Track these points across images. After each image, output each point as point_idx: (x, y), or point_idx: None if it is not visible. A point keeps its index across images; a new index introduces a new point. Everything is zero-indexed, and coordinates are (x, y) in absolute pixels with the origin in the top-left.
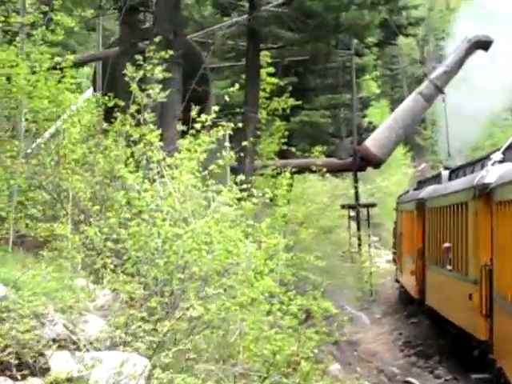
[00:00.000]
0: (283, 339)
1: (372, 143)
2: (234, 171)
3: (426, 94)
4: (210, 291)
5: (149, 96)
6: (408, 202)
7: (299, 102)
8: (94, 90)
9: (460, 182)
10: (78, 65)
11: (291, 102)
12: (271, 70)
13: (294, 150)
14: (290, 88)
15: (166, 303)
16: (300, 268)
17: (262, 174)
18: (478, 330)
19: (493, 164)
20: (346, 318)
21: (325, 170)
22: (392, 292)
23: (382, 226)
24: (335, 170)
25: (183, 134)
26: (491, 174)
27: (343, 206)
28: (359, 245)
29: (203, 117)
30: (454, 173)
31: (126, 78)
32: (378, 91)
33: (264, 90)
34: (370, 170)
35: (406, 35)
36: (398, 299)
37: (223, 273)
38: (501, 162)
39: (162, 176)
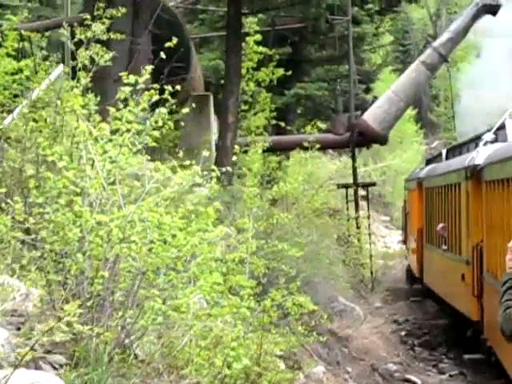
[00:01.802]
0: (240, 346)
1: (371, 117)
2: (217, 148)
3: (429, 63)
4: (143, 293)
5: (93, 60)
6: (412, 181)
7: (288, 73)
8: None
9: (453, 162)
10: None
11: (280, 72)
12: (258, 37)
13: (283, 124)
14: (278, 57)
15: (89, 307)
16: (277, 258)
17: (246, 151)
18: (471, 310)
19: (484, 144)
20: (335, 311)
21: (318, 146)
22: (401, 275)
23: (393, 205)
24: (331, 147)
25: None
26: (481, 154)
27: (339, 186)
28: (358, 227)
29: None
30: (451, 152)
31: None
32: (379, 61)
33: (251, 59)
34: (380, 147)
35: (409, 1)
36: (406, 281)
37: (161, 269)
38: (492, 142)
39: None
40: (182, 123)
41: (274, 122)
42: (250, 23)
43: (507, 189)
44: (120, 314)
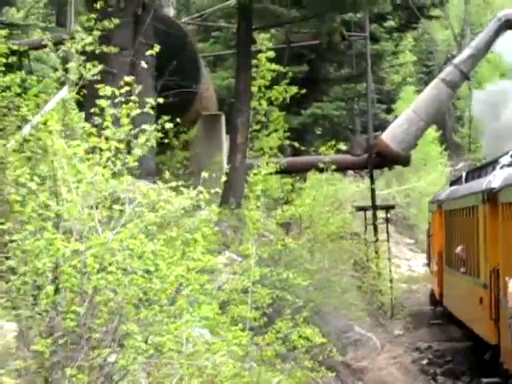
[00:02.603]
0: None
1: (389, 137)
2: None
3: (449, 81)
4: (123, 329)
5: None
6: (434, 203)
7: (303, 91)
8: None
9: (471, 185)
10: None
11: (294, 90)
12: (271, 54)
13: (297, 145)
14: (294, 75)
15: (63, 345)
16: (284, 286)
17: (255, 173)
18: (488, 333)
19: (501, 167)
20: (350, 341)
21: (333, 167)
22: (425, 299)
23: (418, 227)
24: (348, 168)
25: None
26: (498, 177)
27: (357, 209)
28: (376, 251)
29: None
30: (470, 174)
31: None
32: (399, 79)
33: (264, 77)
34: (404, 169)
35: (429, 17)
36: (430, 304)
37: (144, 302)
38: (509, 165)
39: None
40: (192, 143)
41: (288, 142)
42: (263, 39)
43: None
44: (97, 352)
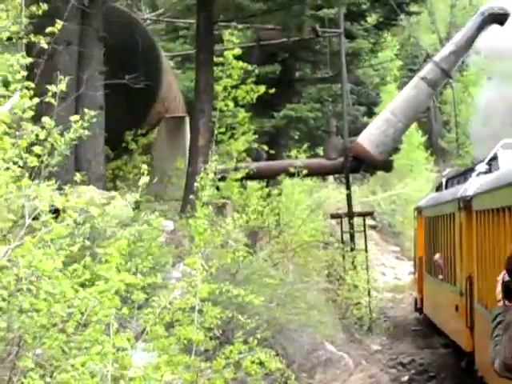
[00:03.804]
0: None
1: (366, 140)
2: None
3: (430, 80)
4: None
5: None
6: (416, 210)
7: (272, 90)
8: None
9: (449, 192)
10: None
11: (261, 89)
12: (238, 51)
13: (266, 148)
14: (265, 75)
15: None
16: (241, 304)
17: (222, 179)
18: (464, 341)
19: (477, 175)
20: (320, 361)
21: (305, 172)
22: (411, 309)
23: (403, 234)
24: (323, 173)
25: None
26: (473, 184)
27: (332, 216)
28: (352, 262)
29: None
30: (450, 181)
31: None
32: (378, 80)
33: (230, 76)
34: (389, 175)
35: (409, 13)
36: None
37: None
38: (486, 172)
39: None
40: (153, 147)
41: (256, 145)
42: (229, 35)
43: (496, 219)
44: None
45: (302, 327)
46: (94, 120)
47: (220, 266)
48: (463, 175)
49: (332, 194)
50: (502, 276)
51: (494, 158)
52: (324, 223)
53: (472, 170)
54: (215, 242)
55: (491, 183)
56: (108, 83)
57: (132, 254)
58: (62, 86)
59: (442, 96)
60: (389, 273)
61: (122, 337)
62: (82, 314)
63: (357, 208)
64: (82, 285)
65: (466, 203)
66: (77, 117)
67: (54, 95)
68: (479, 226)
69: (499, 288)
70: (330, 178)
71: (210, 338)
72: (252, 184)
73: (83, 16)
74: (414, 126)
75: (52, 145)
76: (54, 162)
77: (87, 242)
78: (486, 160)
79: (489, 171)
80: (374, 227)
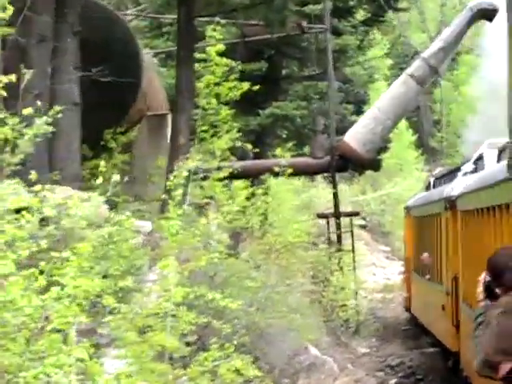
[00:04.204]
0: None
1: (353, 138)
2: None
3: (418, 76)
4: None
5: None
6: (405, 209)
7: (256, 87)
8: None
9: (436, 192)
10: None
11: (245, 86)
12: (221, 47)
13: (250, 146)
14: (251, 73)
15: None
16: (218, 308)
17: (204, 178)
18: (450, 340)
19: (464, 174)
20: (303, 366)
21: (290, 171)
22: (401, 309)
23: (393, 234)
24: (309, 172)
25: None
26: (459, 184)
27: (319, 216)
28: (338, 263)
29: None
30: (438, 181)
31: None
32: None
33: (213, 73)
34: (379, 174)
35: (397, 10)
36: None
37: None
38: (472, 172)
39: None
40: (134, 145)
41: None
42: (211, 31)
43: (481, 219)
44: None
45: (284, 331)
46: (68, 116)
47: (198, 268)
48: (450, 175)
49: (321, 193)
50: (484, 276)
51: (480, 157)
52: (312, 223)
53: (458, 169)
54: (193, 244)
55: (476, 183)
56: (86, 80)
57: (104, 257)
58: (12, 78)
59: (433, 95)
60: (379, 273)
61: (82, 347)
62: (36, 322)
63: (347, 208)
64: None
65: (451, 203)
66: (29, 110)
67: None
68: (464, 225)
69: (480, 288)
70: (319, 177)
71: (188, 344)
72: (237, 183)
73: (58, 10)
74: (404, 124)
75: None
76: (16, 160)
77: (50, 245)
78: (472, 160)
79: (475, 171)
80: (363, 227)
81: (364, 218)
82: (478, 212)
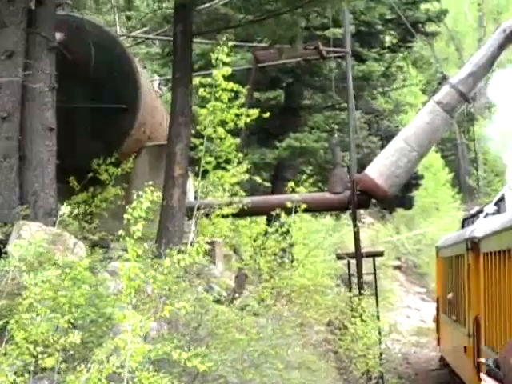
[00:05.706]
0: None
1: (376, 171)
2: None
3: (446, 104)
4: None
5: None
6: (436, 250)
7: (266, 114)
8: None
9: (461, 233)
10: None
11: (255, 113)
12: (228, 71)
13: (259, 180)
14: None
15: None
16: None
17: (207, 215)
18: (474, 383)
19: (485, 216)
20: None
21: (303, 207)
22: (435, 354)
23: (429, 276)
24: (327, 209)
25: None
26: (481, 226)
27: (338, 257)
28: (351, 309)
29: None
30: (466, 221)
31: None
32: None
33: (219, 98)
34: (415, 214)
35: (425, 34)
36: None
37: None
38: (494, 213)
39: None
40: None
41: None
42: (218, 52)
43: (502, 260)
44: None
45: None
46: (40, 143)
47: (182, 317)
48: (476, 216)
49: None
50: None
51: (502, 198)
52: (339, 264)
53: (481, 211)
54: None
55: (497, 225)
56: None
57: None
58: None
59: (470, 133)
60: (414, 315)
61: None
62: None
63: (379, 248)
64: None
65: (473, 244)
66: None
67: None
68: (486, 267)
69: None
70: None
71: None
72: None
73: (31, 22)
74: (440, 162)
75: None
76: None
77: None
78: (494, 201)
79: (497, 212)
80: (398, 268)
81: (399, 259)
82: (500, 254)
